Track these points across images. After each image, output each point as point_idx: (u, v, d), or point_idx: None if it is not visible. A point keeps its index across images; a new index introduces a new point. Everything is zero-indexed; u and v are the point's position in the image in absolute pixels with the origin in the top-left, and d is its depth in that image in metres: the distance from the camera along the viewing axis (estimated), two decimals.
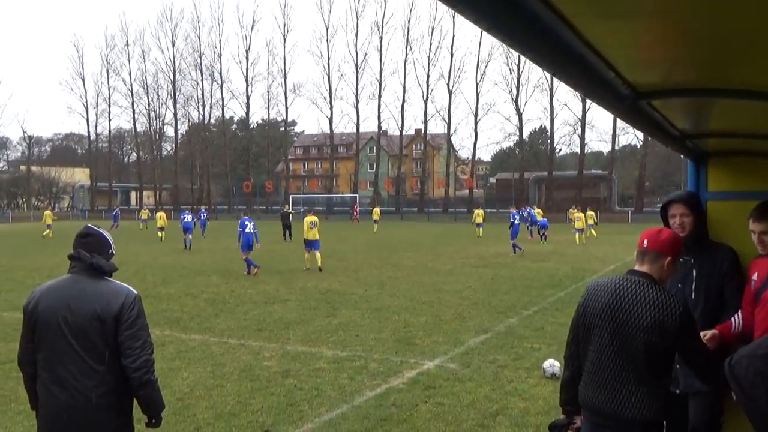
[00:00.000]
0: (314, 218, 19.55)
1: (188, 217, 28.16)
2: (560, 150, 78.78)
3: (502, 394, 6.93)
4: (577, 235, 29.68)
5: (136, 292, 3.41)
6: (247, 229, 18.33)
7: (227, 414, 6.32)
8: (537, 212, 34.66)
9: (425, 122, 72.94)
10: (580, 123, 65.90)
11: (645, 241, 3.01)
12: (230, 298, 13.61)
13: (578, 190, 63.46)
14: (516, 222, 24.82)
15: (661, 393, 3.01)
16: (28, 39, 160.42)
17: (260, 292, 14.45)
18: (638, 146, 68.95)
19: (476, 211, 38.12)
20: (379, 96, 73.77)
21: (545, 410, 6.28)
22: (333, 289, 14.87)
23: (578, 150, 68.16)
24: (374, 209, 46.86)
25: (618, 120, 68.95)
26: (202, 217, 37.85)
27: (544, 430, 5.81)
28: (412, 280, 16.40)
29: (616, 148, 70.15)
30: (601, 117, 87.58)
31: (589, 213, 31.24)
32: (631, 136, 68.70)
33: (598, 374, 3.00)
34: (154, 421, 3.48)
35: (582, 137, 66.37)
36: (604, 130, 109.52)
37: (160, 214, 33.82)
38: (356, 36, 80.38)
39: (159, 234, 32.53)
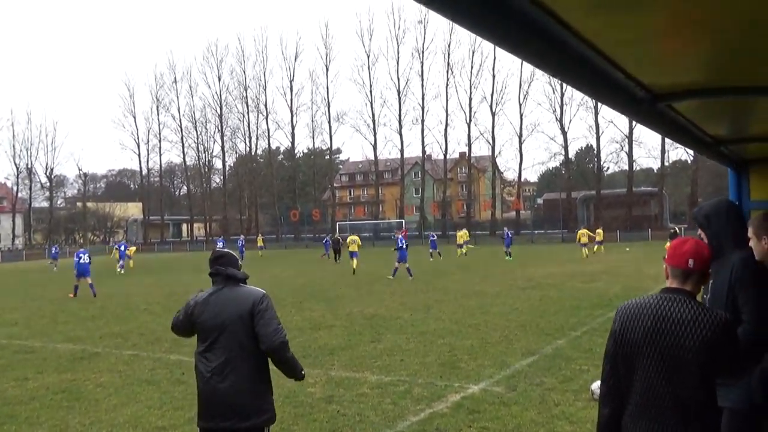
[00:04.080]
0: (355, 237, 29.28)
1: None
2: (608, 168, 77.36)
3: (549, 417, 6.75)
4: (583, 250, 34.19)
5: (264, 292, 4.16)
6: (81, 260, 22.00)
7: None
8: (582, 233, 36.27)
9: (469, 145, 72.76)
10: (627, 140, 64.76)
11: (691, 262, 2.76)
12: None
13: (628, 208, 62.23)
14: (403, 246, 24.77)
15: (719, 412, 2.86)
16: (81, 81, 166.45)
17: (306, 319, 14.49)
18: (689, 161, 67.27)
19: (459, 233, 41.71)
20: (422, 121, 73.93)
21: None
22: (379, 314, 14.82)
23: (626, 167, 66.93)
24: (460, 232, 41.90)
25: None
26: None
27: None
28: (458, 304, 16.23)
29: (666, 164, 68.58)
30: (649, 133, 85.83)
31: (582, 231, 36.05)
32: (681, 151, 66.83)
33: (650, 406, 2.75)
34: (296, 379, 4.32)
35: (630, 154, 65.18)
36: (653, 146, 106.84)
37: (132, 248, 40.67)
38: (397, 62, 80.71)
39: (119, 264, 36.18)
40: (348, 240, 29.14)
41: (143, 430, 6.84)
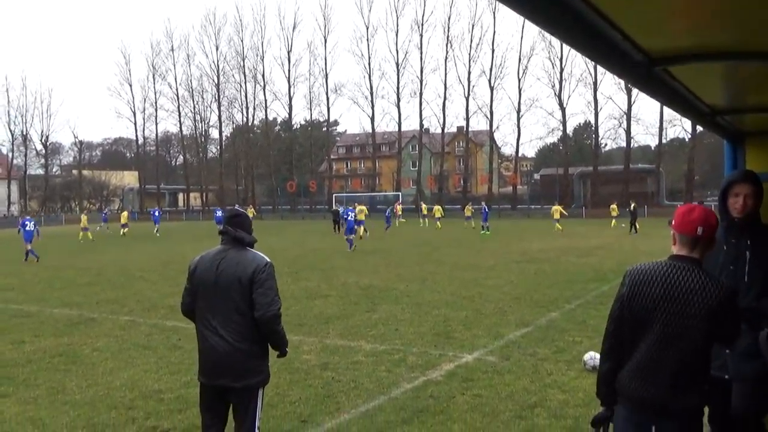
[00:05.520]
0: (362, 207, 32.59)
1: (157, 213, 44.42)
2: (605, 145, 77.32)
3: (542, 386, 6.84)
4: (557, 225, 35.64)
5: (268, 260, 4.18)
6: (27, 227, 23.90)
7: (265, 405, 6.28)
8: (555, 209, 37.87)
9: (467, 119, 72.43)
10: (625, 116, 64.58)
11: (700, 229, 2.81)
12: None
13: (625, 185, 62.25)
14: (350, 218, 26.20)
15: (709, 378, 2.96)
16: (77, 47, 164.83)
17: (301, 288, 14.57)
18: (686, 139, 67.20)
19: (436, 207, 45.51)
20: (421, 94, 73.48)
21: (585, 402, 6.18)
22: (374, 285, 14.90)
23: (624, 144, 66.84)
24: (436, 207, 46.32)
25: (665, 112, 66.30)
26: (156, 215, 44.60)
27: (583, 421, 5.72)
28: (453, 276, 16.32)
29: (664, 141, 68.48)
30: (647, 110, 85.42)
31: (556, 207, 37.88)
32: (679, 129, 66.96)
33: (649, 368, 2.87)
34: (280, 353, 4.33)
35: (628, 131, 65.04)
36: (651, 123, 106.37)
37: (84, 217, 40.19)
38: (396, 35, 80.00)
39: (82, 234, 37.08)
40: (356, 210, 31.65)
41: (140, 392, 6.92)
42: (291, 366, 7.79)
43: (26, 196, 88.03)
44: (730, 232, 3.51)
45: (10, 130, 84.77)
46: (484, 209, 37.74)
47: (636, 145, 73.13)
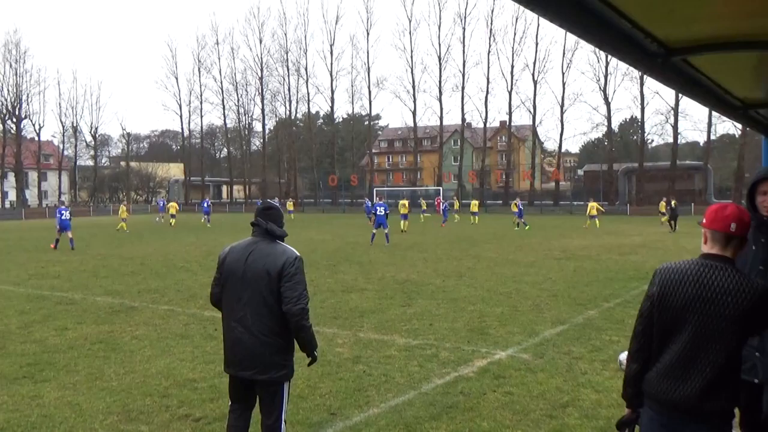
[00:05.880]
0: (404, 201, 34.85)
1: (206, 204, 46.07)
2: (652, 141, 75.69)
3: (575, 385, 6.74)
4: (589, 221, 36.34)
5: (298, 254, 4.20)
6: (63, 216, 24.33)
7: (296, 396, 6.43)
8: (591, 205, 37.60)
9: (510, 114, 71.71)
10: (672, 112, 63.05)
11: (733, 226, 2.76)
12: (309, 286, 13.78)
13: (671, 182, 60.91)
14: (379, 213, 25.48)
15: (739, 380, 2.88)
16: (125, 41, 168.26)
17: (338, 282, 14.63)
18: (736, 135, 65.31)
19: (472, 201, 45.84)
20: (463, 88, 72.91)
21: (618, 402, 6.05)
22: (411, 280, 14.89)
23: (671, 140, 65.31)
24: (473, 201, 46.11)
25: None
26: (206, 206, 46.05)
27: (615, 422, 5.62)
28: (491, 272, 16.20)
29: (713, 137, 66.73)
30: (695, 105, 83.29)
31: (592, 204, 37.22)
32: (728, 124, 64.91)
33: (682, 368, 2.79)
34: (310, 357, 4.26)
35: (675, 127, 63.53)
36: (699, 119, 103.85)
37: (122, 207, 41.44)
38: (439, 28, 79.79)
39: (124, 224, 37.71)
40: (399, 204, 34.18)
41: (174, 381, 7.04)
42: (323, 359, 7.83)
43: (76, 187, 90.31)
44: (760, 231, 3.40)
45: (61, 122, 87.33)
46: (519, 205, 37.68)
47: (683, 142, 71.55)
